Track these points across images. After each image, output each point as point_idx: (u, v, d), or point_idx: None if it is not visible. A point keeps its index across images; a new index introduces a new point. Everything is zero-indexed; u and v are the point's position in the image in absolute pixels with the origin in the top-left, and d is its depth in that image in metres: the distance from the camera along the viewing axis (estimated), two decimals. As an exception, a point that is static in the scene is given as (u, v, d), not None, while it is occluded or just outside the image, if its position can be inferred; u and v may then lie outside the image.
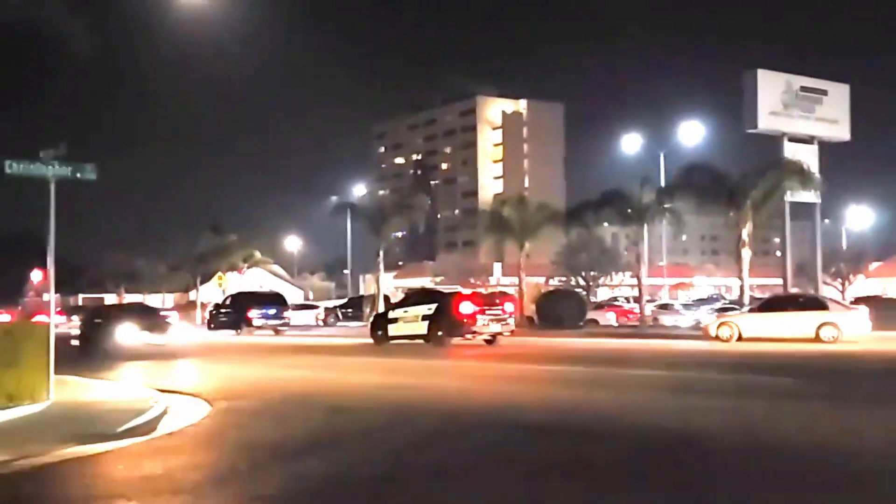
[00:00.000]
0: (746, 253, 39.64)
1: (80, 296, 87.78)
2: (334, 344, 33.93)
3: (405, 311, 30.77)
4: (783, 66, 44.35)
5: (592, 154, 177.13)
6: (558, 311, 43.82)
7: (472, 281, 77.00)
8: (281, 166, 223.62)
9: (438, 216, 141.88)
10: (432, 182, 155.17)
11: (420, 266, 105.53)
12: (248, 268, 71.48)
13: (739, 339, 28.59)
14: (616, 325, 47.09)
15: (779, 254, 58.00)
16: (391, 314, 31.83)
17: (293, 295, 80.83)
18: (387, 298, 50.29)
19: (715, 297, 63.90)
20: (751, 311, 31.53)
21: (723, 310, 39.89)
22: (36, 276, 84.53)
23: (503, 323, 29.51)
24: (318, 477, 8.09)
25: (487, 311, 29.09)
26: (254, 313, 43.99)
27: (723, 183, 40.23)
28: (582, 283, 74.12)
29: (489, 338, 29.16)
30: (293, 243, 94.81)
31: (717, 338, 29.05)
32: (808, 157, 41.63)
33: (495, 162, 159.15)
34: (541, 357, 23.71)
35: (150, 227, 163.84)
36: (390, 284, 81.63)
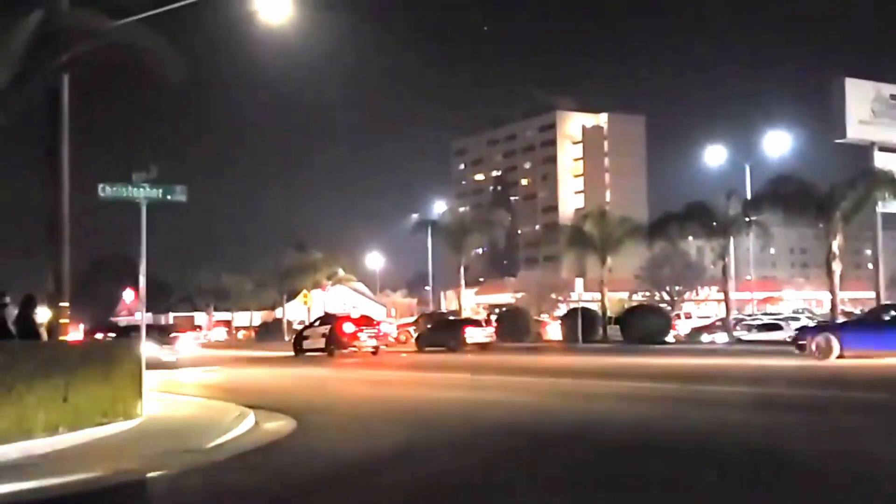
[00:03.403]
0: (837, 266, 38.62)
1: (171, 314, 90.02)
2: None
3: (313, 330, 40.01)
4: (872, 75, 43.16)
5: (675, 167, 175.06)
6: (642, 326, 43.19)
7: (554, 296, 76.65)
8: (362, 184, 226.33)
9: (519, 232, 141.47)
10: (512, 198, 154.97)
11: (501, 282, 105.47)
12: (332, 285, 72.39)
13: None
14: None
15: (871, 266, 56.28)
16: (304, 332, 40.79)
17: (375, 312, 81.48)
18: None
19: (801, 311, 62.09)
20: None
21: None
22: (128, 295, 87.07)
23: (379, 339, 39.08)
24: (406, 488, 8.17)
25: (366, 330, 38.05)
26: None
27: (811, 194, 39.29)
28: (666, 297, 73.10)
29: (372, 350, 37.38)
30: (375, 260, 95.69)
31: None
32: (899, 166, 40.38)
33: (576, 176, 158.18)
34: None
35: (236, 245, 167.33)
36: (471, 301, 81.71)
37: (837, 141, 41.20)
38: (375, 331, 39.17)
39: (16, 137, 13.55)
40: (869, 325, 27.77)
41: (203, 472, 9.43)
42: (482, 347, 40.06)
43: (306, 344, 39.30)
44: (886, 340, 25.62)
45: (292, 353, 39.20)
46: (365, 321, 39.72)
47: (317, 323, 41.25)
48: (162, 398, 16.13)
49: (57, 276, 15.53)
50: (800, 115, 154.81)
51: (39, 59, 12.05)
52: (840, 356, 25.67)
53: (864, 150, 41.22)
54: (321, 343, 38.31)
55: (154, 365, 27.84)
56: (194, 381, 24.86)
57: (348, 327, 37.83)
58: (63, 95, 15.46)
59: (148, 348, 30.78)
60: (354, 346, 37.28)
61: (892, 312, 28.04)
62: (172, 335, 36.90)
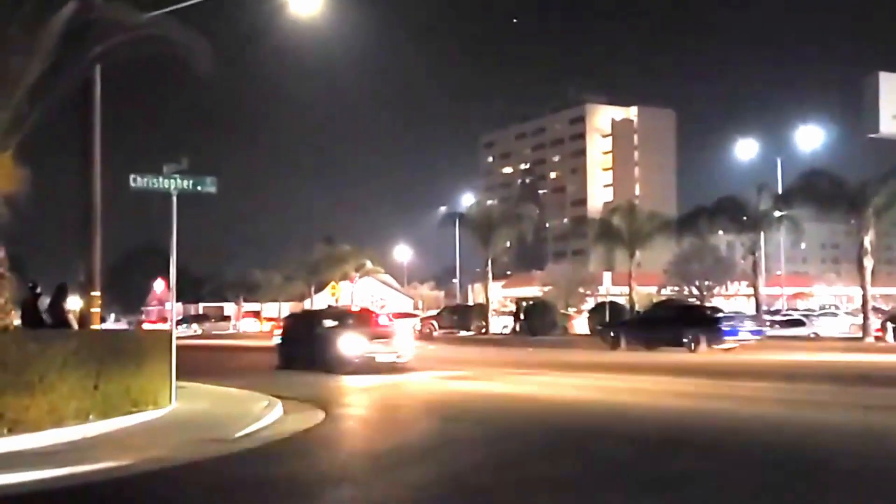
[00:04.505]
0: (869, 261, 38.26)
1: (201, 305, 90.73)
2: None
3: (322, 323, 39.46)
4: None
5: (705, 161, 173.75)
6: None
7: (581, 290, 76.18)
8: (391, 177, 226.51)
9: (547, 225, 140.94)
10: (541, 191, 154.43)
11: (528, 276, 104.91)
12: (360, 277, 72.59)
13: None
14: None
15: (904, 262, 55.58)
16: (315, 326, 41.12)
17: (403, 304, 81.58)
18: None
19: (828, 307, 61.43)
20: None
21: None
22: (159, 286, 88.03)
23: None
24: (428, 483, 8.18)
25: None
26: None
27: (843, 189, 38.95)
28: (696, 292, 72.53)
29: None
30: (403, 253, 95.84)
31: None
32: (934, 161, 39.84)
33: (605, 170, 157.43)
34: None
35: (265, 237, 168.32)
36: (498, 294, 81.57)
37: (870, 136, 40.68)
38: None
39: (48, 129, 13.69)
40: (644, 322, 33.94)
41: (229, 461, 9.52)
42: None
43: None
44: (655, 335, 31.29)
45: None
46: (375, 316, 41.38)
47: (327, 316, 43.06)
48: (196, 387, 15.97)
49: (88, 266, 15.71)
50: (832, 110, 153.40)
51: (72, 51, 12.17)
52: (627, 348, 31.58)
53: (897, 145, 40.67)
54: None
55: (365, 368, 21.12)
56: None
57: None
58: (95, 87, 15.62)
59: (356, 344, 21.86)
60: None
61: (661, 311, 34.63)
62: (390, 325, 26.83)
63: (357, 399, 16.28)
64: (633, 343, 31.70)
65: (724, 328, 30.19)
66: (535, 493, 7.62)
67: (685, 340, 29.85)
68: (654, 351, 30.33)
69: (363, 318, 25.81)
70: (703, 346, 29.51)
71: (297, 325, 26.38)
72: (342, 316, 25.86)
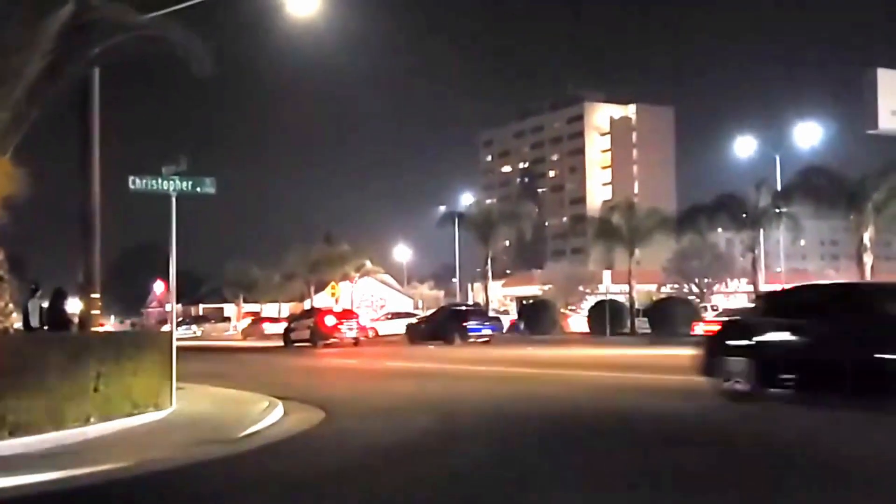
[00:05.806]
0: (868, 257, 38.23)
1: (201, 306, 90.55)
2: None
3: (299, 323, 43.16)
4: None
5: (704, 158, 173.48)
6: (670, 319, 42.94)
7: (581, 289, 76.31)
8: (390, 176, 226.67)
9: (546, 224, 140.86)
10: (540, 190, 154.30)
11: (528, 274, 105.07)
12: (360, 277, 72.50)
13: None
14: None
15: (904, 258, 55.52)
16: (292, 325, 43.99)
17: (403, 304, 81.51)
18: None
19: None
20: None
21: None
22: (158, 286, 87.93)
23: (358, 331, 42.14)
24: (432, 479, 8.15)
25: (346, 323, 40.76)
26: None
27: (842, 185, 38.91)
28: (695, 290, 72.65)
29: (353, 341, 40.15)
30: (403, 253, 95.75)
31: None
32: (933, 157, 39.77)
33: (604, 168, 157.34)
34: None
35: (264, 236, 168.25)
36: (498, 293, 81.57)
37: (869, 132, 40.64)
38: (355, 323, 42.15)
39: (48, 130, 13.66)
40: (435, 321, 42.06)
41: (232, 461, 9.49)
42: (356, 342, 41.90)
43: (293, 335, 41.85)
44: (433, 333, 39.85)
45: (307, 345, 40.07)
46: (346, 315, 43.05)
47: (303, 316, 44.62)
48: (196, 389, 15.96)
49: (88, 268, 15.67)
50: (831, 106, 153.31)
51: (71, 52, 12.14)
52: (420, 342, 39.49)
53: (896, 141, 40.63)
54: (306, 334, 40.67)
55: None
56: None
57: (329, 320, 40.71)
58: (94, 88, 15.58)
59: None
60: (335, 338, 39.63)
61: (436, 315, 43.53)
62: None
63: None
64: (424, 339, 39.76)
65: (468, 327, 39.73)
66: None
67: (448, 337, 38.94)
68: (431, 345, 37.25)
69: None
70: (458, 341, 38.46)
71: (782, 312, 13.42)
72: None
